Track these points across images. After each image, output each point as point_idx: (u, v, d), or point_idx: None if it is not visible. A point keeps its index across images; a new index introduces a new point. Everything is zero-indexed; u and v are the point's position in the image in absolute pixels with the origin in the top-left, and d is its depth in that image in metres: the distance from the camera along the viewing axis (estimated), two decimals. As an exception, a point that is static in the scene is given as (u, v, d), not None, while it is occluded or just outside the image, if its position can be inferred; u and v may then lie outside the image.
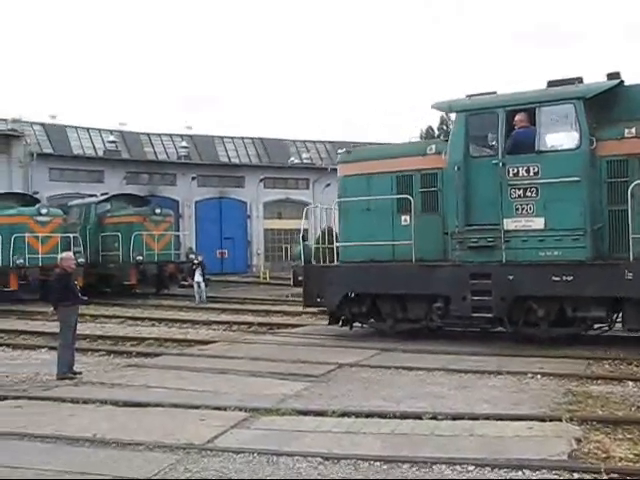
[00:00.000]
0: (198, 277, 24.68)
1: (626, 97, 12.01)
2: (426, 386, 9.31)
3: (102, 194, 32.27)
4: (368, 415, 7.64)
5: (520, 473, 5.74)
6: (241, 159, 48.30)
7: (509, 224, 12.16)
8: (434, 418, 7.39)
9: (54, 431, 7.39)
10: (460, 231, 12.57)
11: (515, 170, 12.11)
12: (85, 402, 8.80)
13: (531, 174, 11.99)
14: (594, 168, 11.67)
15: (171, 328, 17.03)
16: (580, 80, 12.15)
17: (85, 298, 23.68)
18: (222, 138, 49.53)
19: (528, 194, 12.04)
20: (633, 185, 11.19)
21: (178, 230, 35.39)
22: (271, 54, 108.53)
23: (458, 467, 5.90)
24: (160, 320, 18.64)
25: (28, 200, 28.40)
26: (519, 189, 12.10)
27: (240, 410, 8.06)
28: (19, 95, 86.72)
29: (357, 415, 7.65)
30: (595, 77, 12.39)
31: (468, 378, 9.77)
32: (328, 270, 14.34)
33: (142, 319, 19.11)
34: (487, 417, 7.38)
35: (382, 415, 7.58)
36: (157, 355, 12.79)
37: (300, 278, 14.89)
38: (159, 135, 48.57)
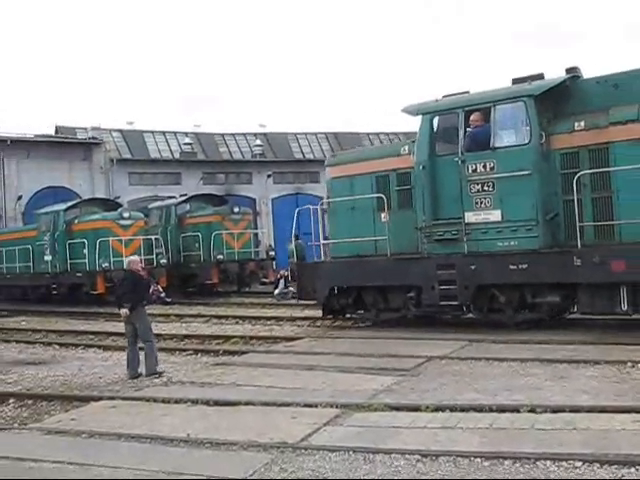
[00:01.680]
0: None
1: (579, 91, 12.66)
2: (521, 377, 9.02)
3: (181, 195, 32.76)
4: (463, 409, 7.41)
5: (633, 470, 5.42)
6: (315, 154, 48.28)
7: (470, 217, 12.92)
8: (532, 411, 7.12)
9: (148, 431, 7.44)
10: (427, 225, 13.44)
11: (473, 166, 12.83)
12: (176, 402, 8.85)
13: (487, 170, 12.69)
14: (547, 161, 12.35)
15: (255, 325, 17.08)
16: (541, 76, 12.69)
17: (169, 299, 24.46)
18: (295, 134, 49.68)
19: (485, 188, 12.75)
20: (578, 175, 11.77)
21: (256, 228, 35.62)
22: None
23: (564, 463, 5.61)
24: (244, 318, 18.73)
25: (111, 205, 29.06)
26: (477, 184, 12.82)
27: (332, 407, 7.96)
28: (98, 104, 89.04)
29: (452, 409, 7.43)
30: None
31: (564, 368, 9.42)
32: (317, 266, 15.73)
33: (226, 317, 19.26)
34: (590, 409, 7.07)
35: (478, 409, 7.35)
36: (244, 353, 12.82)
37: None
38: (233, 135, 49.07)
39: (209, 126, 60.73)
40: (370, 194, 14.67)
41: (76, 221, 27.22)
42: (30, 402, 9.97)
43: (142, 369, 11.29)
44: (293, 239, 18.92)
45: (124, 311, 11.33)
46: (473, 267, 12.83)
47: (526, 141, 12.41)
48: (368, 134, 51.31)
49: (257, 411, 8.13)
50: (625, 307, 11.53)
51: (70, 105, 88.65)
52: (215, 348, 13.82)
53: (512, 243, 12.55)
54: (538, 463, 5.69)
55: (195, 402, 8.75)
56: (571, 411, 7.05)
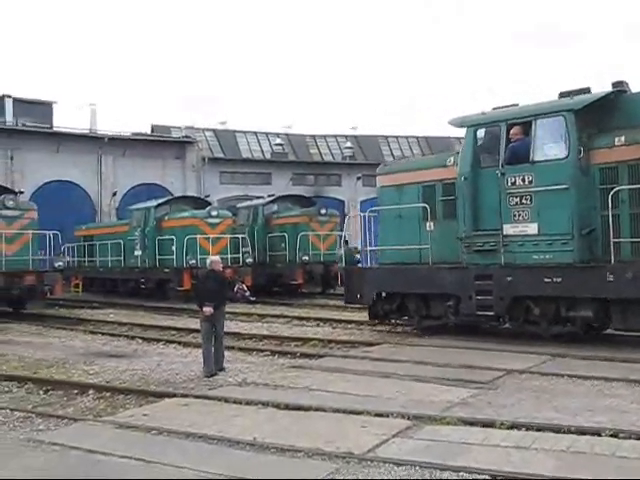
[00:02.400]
0: None
1: (623, 106, 12.56)
2: (604, 398, 8.55)
3: (269, 195, 33.01)
4: (540, 429, 7.07)
5: None
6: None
7: (508, 229, 13.04)
8: (615, 436, 6.72)
9: (217, 432, 7.42)
10: (467, 236, 13.60)
11: (513, 179, 12.93)
12: (248, 403, 8.82)
13: (526, 183, 12.77)
14: (586, 176, 12.30)
15: (335, 329, 16.96)
16: (587, 90, 12.69)
17: (253, 298, 24.63)
18: (386, 137, 49.49)
19: (524, 201, 12.84)
20: (613, 191, 11.70)
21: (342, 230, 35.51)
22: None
23: (646, 495, 5.27)
24: (325, 320, 18.64)
25: (200, 203, 29.51)
26: (516, 197, 12.93)
27: (403, 417, 7.76)
28: (193, 104, 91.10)
29: (528, 428, 7.10)
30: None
31: (653, 391, 8.90)
32: (364, 272, 16.05)
33: (307, 319, 19.21)
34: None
35: (556, 429, 6.99)
36: (321, 356, 12.72)
37: None
38: (324, 136, 49.29)
39: (300, 127, 61.13)
40: (416, 203, 14.92)
41: (166, 218, 27.77)
42: (108, 394, 10.17)
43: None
44: (342, 244, 19.63)
45: (209, 310, 11.39)
46: (509, 279, 12.96)
47: (564, 155, 12.41)
48: (459, 138, 50.47)
49: (327, 417, 8.01)
50: None
51: (166, 105, 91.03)
52: (293, 350, 13.77)
53: (547, 256, 12.60)
54: (617, 493, 5.34)
55: (266, 404, 8.70)
56: (659, 439, 6.62)
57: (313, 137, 49.52)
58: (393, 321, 15.89)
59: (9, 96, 40.83)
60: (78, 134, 40.44)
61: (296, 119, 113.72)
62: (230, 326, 18.06)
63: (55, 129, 40.57)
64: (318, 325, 18.10)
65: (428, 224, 14.54)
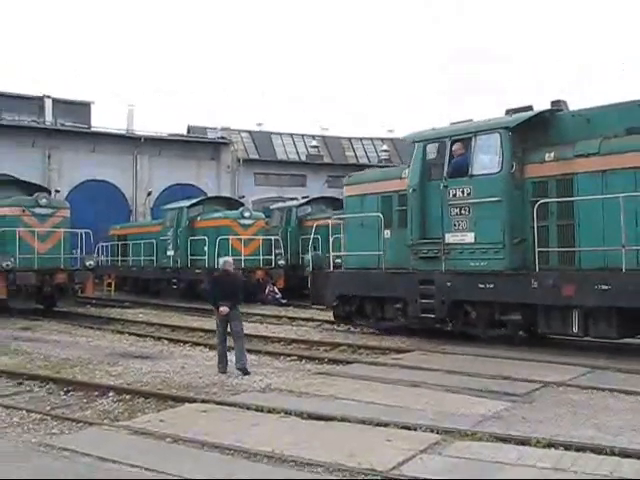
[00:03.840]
0: None
1: (556, 124, 13.41)
2: (649, 416, 8.00)
3: (303, 197, 32.66)
4: (579, 448, 6.52)
5: None
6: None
7: (449, 238, 13.93)
8: (662, 459, 6.18)
9: (234, 442, 7.03)
10: (415, 243, 14.55)
11: (454, 191, 13.81)
12: (269, 411, 8.42)
13: (465, 195, 13.64)
14: (519, 189, 13.20)
15: (365, 334, 16.50)
16: (530, 108, 13.59)
17: (284, 301, 24.31)
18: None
19: (463, 212, 13.71)
20: (537, 204, 12.59)
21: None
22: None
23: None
24: (356, 325, 18.19)
25: (233, 204, 29.31)
26: (456, 208, 13.79)
27: (431, 431, 7.30)
28: (229, 106, 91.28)
29: (566, 447, 6.57)
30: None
31: None
32: (327, 275, 17.16)
33: (338, 323, 18.77)
34: None
35: (597, 450, 6.45)
36: (349, 363, 12.30)
37: None
38: (360, 139, 48.86)
39: (336, 129, 60.70)
40: (375, 212, 15.83)
41: (198, 218, 27.63)
42: (127, 397, 9.87)
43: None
44: (310, 249, 20.79)
45: (225, 309, 11.55)
46: (449, 284, 13.86)
47: (497, 170, 13.27)
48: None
49: (351, 429, 7.58)
50: (576, 329, 12.18)
51: (203, 106, 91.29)
52: (321, 355, 13.36)
53: (482, 264, 13.45)
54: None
55: (288, 413, 8.29)
56: None
57: (349, 139, 49.11)
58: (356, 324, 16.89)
59: (48, 96, 41.18)
60: (115, 134, 40.58)
61: (332, 121, 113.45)
62: (259, 329, 17.78)
63: (92, 129, 40.76)
64: (348, 330, 17.65)
65: (385, 232, 15.62)
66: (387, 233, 15.62)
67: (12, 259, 20.57)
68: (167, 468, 6.27)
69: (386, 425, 7.59)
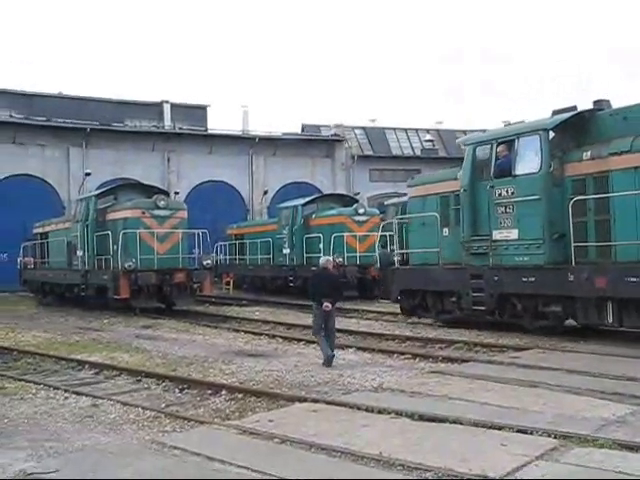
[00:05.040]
0: None
1: (594, 123, 14.01)
2: None
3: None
4: None
5: None
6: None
7: (496, 235, 14.84)
8: None
9: (342, 444, 6.88)
10: (467, 240, 15.48)
11: (499, 191, 14.72)
12: (380, 412, 8.22)
13: (509, 194, 14.52)
14: (559, 187, 13.87)
15: (482, 330, 16.00)
16: (574, 108, 14.21)
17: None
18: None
19: (508, 210, 14.60)
20: (572, 201, 13.23)
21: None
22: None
23: None
24: (472, 322, 17.70)
25: (347, 200, 29.26)
26: (502, 206, 14.70)
27: (549, 435, 6.90)
28: (341, 103, 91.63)
29: (699, 457, 6.07)
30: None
31: None
32: (392, 272, 18.07)
33: (454, 323, 18.32)
34: None
35: None
36: (464, 361, 11.93)
37: None
38: (475, 132, 47.72)
39: (451, 122, 59.74)
40: (434, 212, 16.74)
41: (313, 216, 27.75)
42: (240, 396, 9.92)
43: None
44: (378, 247, 21.85)
45: (328, 305, 12.17)
46: (496, 278, 14.81)
47: (537, 169, 13.94)
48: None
49: (464, 431, 7.27)
50: (611, 320, 12.81)
51: (317, 104, 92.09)
52: (435, 354, 13.04)
53: (525, 258, 14.28)
54: None
55: (399, 414, 8.07)
56: None
57: (464, 132, 48.09)
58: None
59: (167, 101, 42.57)
60: (230, 135, 41.41)
61: (447, 114, 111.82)
62: (374, 326, 17.61)
63: (209, 131, 41.77)
64: (465, 327, 17.19)
65: (444, 230, 16.54)
66: (445, 231, 16.54)
67: (134, 260, 21.28)
68: (272, 470, 6.19)
69: (500, 428, 7.25)
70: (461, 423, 7.54)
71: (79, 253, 23.95)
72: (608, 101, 14.40)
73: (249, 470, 6.25)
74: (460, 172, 15.87)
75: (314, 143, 43.04)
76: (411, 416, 7.95)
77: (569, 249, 13.45)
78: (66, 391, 10.58)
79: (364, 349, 13.96)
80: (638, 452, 6.30)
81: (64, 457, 7.07)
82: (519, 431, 7.10)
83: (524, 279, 14.14)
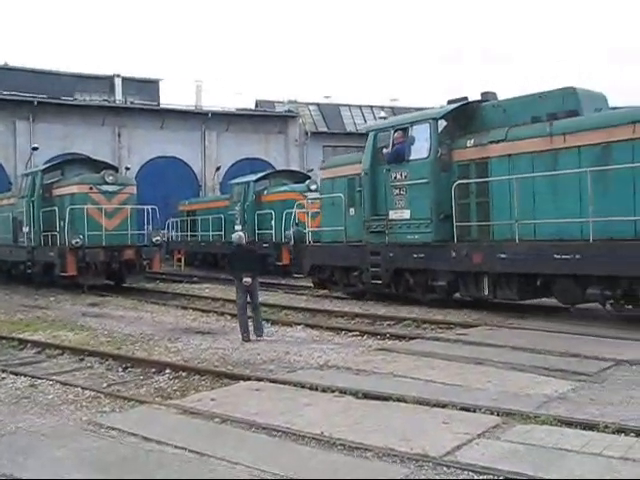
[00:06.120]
0: None
1: (481, 114, 15.24)
2: None
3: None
4: (654, 435, 6.02)
5: None
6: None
7: (392, 215, 16.23)
8: None
9: (283, 423, 6.76)
10: (367, 220, 16.92)
11: (395, 175, 16.06)
12: (324, 390, 8.13)
13: (403, 177, 15.86)
14: (446, 172, 15.11)
15: (432, 308, 16.01)
16: (465, 99, 15.63)
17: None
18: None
19: (401, 192, 15.96)
20: (454, 185, 14.60)
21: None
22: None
23: None
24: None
25: (300, 177, 29.07)
26: (397, 188, 16.05)
27: (492, 413, 6.86)
28: (295, 79, 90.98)
29: (638, 434, 6.04)
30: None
31: None
32: (303, 248, 19.72)
33: (404, 298, 18.31)
34: None
35: (674, 437, 5.93)
36: (412, 338, 11.88)
37: None
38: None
39: (406, 99, 59.69)
40: (341, 193, 18.00)
41: (265, 192, 27.52)
42: (184, 374, 9.74)
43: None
44: (292, 225, 23.35)
45: (248, 280, 12.29)
46: (391, 254, 16.16)
47: (426, 155, 15.24)
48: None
49: (406, 410, 7.21)
50: (487, 293, 14.30)
51: (271, 81, 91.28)
52: (383, 331, 12.95)
53: (416, 237, 15.62)
54: None
55: (344, 392, 7.98)
56: None
57: (420, 110, 48.09)
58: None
59: (118, 75, 41.69)
60: (183, 110, 40.77)
61: (402, 91, 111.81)
62: (325, 304, 17.51)
63: (161, 106, 41.06)
64: (417, 304, 17.18)
65: (350, 210, 17.80)
66: (352, 211, 17.79)
67: (81, 236, 20.82)
68: (211, 451, 6.03)
69: (444, 406, 7.20)
70: (405, 401, 7.47)
71: (25, 229, 23.41)
72: (494, 93, 15.79)
73: (186, 451, 6.09)
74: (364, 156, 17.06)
75: (268, 119, 42.63)
76: (355, 394, 7.86)
77: (456, 229, 14.69)
78: (3, 371, 10.24)
79: (312, 326, 13.85)
80: (577, 428, 6.29)
81: (-5, 440, 6.82)
82: (462, 409, 7.06)
83: (415, 255, 15.53)
